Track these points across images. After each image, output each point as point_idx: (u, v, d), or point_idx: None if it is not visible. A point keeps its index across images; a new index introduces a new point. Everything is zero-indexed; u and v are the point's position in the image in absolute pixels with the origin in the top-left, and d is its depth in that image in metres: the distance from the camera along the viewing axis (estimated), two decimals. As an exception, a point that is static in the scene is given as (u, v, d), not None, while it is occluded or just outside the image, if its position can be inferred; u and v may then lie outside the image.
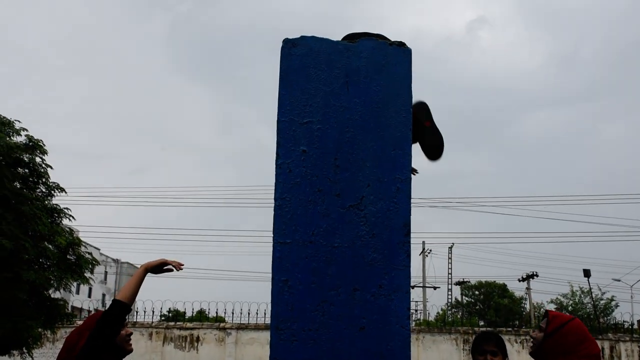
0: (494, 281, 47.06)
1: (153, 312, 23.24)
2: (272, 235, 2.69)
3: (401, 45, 2.90)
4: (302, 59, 2.86)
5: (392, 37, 2.98)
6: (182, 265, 3.24)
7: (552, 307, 40.57)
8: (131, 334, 3.16)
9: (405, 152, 2.78)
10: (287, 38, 2.90)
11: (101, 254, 43.54)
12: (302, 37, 2.89)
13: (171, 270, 3.25)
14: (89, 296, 46.64)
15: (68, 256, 14.11)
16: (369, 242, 2.68)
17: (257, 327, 23.20)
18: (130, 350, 3.15)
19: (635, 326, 26.94)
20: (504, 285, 46.81)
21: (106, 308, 3.17)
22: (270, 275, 2.70)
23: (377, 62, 2.87)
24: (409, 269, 2.67)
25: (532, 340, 3.18)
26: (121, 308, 3.01)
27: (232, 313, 23.90)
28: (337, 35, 3.00)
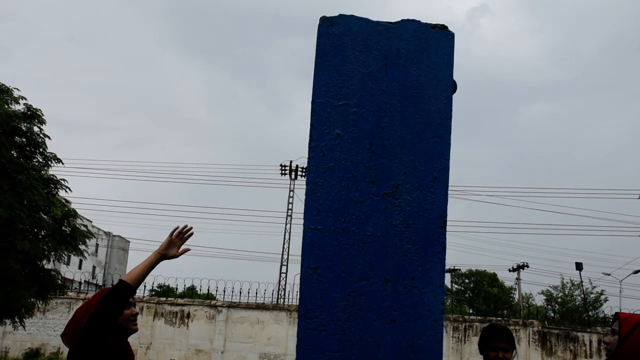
0: (485, 270, 47.26)
1: (145, 286, 23.24)
2: (303, 220, 2.59)
3: (443, 28, 2.78)
4: (340, 39, 2.73)
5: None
6: (190, 228, 3.13)
7: (541, 298, 40.81)
8: (137, 314, 3.09)
9: (444, 140, 2.67)
10: (324, 16, 2.77)
11: (93, 226, 43.38)
12: (341, 16, 2.77)
13: (188, 250, 3.16)
14: (80, 268, 46.56)
15: (63, 227, 14.00)
16: (403, 232, 2.58)
17: (247, 306, 23.22)
18: (135, 330, 3.09)
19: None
20: (494, 275, 47.06)
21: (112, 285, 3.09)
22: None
23: (418, 45, 2.75)
24: (444, 261, 2.58)
25: (606, 345, 3.05)
26: (125, 290, 2.92)
27: (224, 291, 23.92)
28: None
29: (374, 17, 2.79)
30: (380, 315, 2.51)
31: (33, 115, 13.47)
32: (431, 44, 2.75)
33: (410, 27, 2.77)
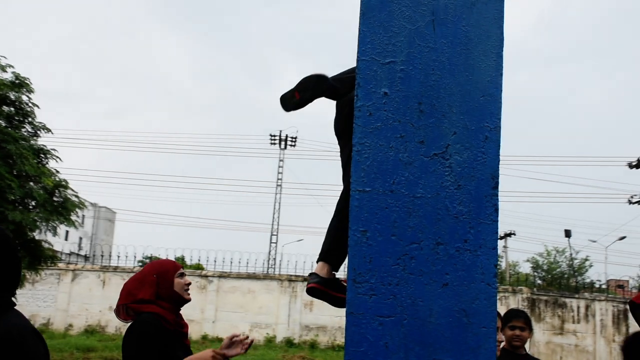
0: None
1: (135, 257, 23.11)
2: (350, 182, 2.50)
3: (492, -18, 2.66)
4: (385, -7, 2.61)
5: None
6: (251, 341, 3.13)
7: (528, 265, 41.25)
8: (189, 283, 3.06)
9: (495, 98, 2.57)
10: (368, -31, 2.64)
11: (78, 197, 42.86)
12: (386, -31, 2.64)
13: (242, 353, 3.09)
14: (66, 239, 46.20)
15: (54, 198, 13.83)
16: (454, 193, 2.49)
17: (238, 276, 23.24)
18: (189, 300, 3.10)
19: (604, 286, 27.63)
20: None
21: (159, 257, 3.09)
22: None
23: (467, 0, 2.64)
24: (497, 223, 2.50)
25: None
26: None
27: (215, 261, 23.88)
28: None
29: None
30: (432, 279, 2.44)
31: (22, 84, 13.17)
32: (480, -1, 2.64)
33: (458, -19, 2.65)
